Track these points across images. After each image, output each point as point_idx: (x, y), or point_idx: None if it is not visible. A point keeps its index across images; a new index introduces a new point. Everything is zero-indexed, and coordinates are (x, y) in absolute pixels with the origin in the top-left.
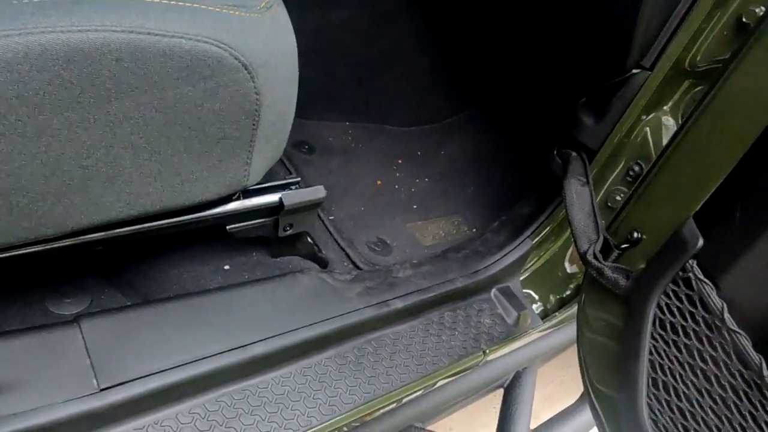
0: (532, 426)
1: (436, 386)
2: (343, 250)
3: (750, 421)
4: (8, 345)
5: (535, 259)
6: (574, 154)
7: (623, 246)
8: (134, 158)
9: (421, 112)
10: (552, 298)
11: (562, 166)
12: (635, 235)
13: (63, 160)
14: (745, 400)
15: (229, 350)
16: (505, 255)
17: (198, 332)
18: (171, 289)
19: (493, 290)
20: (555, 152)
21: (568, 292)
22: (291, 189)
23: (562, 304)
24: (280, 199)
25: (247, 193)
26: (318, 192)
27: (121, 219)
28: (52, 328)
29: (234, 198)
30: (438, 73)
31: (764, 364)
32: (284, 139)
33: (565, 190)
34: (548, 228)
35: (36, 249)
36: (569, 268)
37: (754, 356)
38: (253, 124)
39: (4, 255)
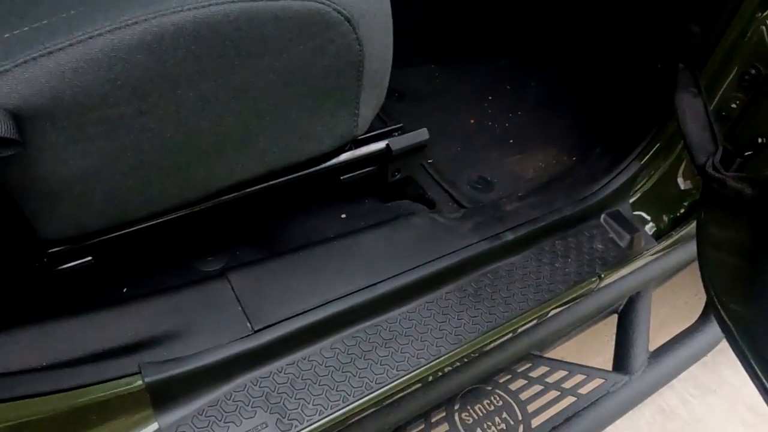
0: (651, 349)
1: (551, 314)
2: (447, 191)
3: None
4: (171, 300)
5: (645, 180)
6: (681, 65)
7: (746, 153)
8: (259, 121)
9: (507, 46)
10: (665, 217)
11: (669, 80)
12: (759, 140)
13: (200, 130)
14: None
15: (357, 290)
16: (612, 179)
17: (327, 276)
18: (296, 240)
19: (603, 215)
20: (659, 66)
21: (683, 210)
22: (395, 135)
23: (677, 223)
24: (387, 145)
25: (357, 144)
26: (422, 135)
27: (250, 178)
28: (205, 283)
29: (346, 149)
30: (523, 6)
31: None
32: (385, 86)
33: (676, 103)
34: (657, 146)
35: (181, 214)
36: (683, 184)
37: None
38: (358, 75)
39: (155, 221)
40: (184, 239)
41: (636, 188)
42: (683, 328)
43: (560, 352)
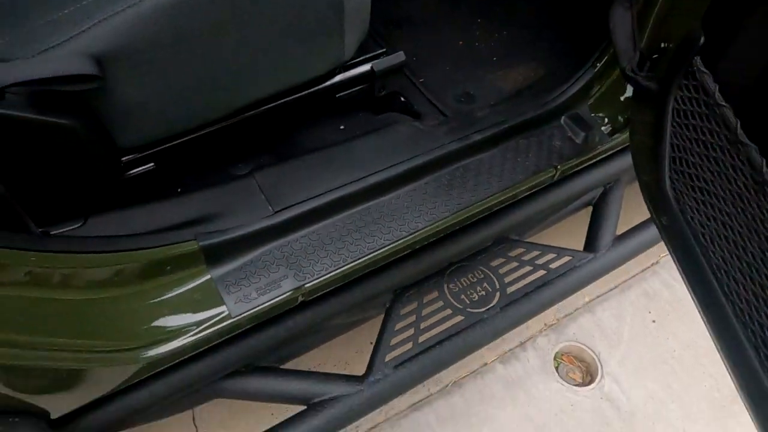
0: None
1: (522, 201)
2: (434, 104)
3: (739, 173)
4: (214, 193)
5: (600, 86)
6: None
7: (654, 57)
8: (268, 50)
9: None
10: (620, 118)
11: None
12: (662, 45)
13: (225, 60)
14: (727, 155)
15: (354, 181)
16: (570, 86)
17: (329, 172)
18: (305, 147)
19: (563, 117)
20: None
21: None
22: (379, 59)
23: (629, 122)
24: (372, 67)
25: (346, 67)
26: (399, 57)
27: (265, 96)
28: (238, 180)
29: (337, 72)
30: None
31: (739, 125)
32: (367, 19)
33: (610, 17)
34: (607, 56)
35: (216, 127)
36: (630, 91)
37: (733, 120)
38: (340, 12)
39: (199, 133)
40: (220, 150)
41: (592, 93)
42: None
43: (542, 238)
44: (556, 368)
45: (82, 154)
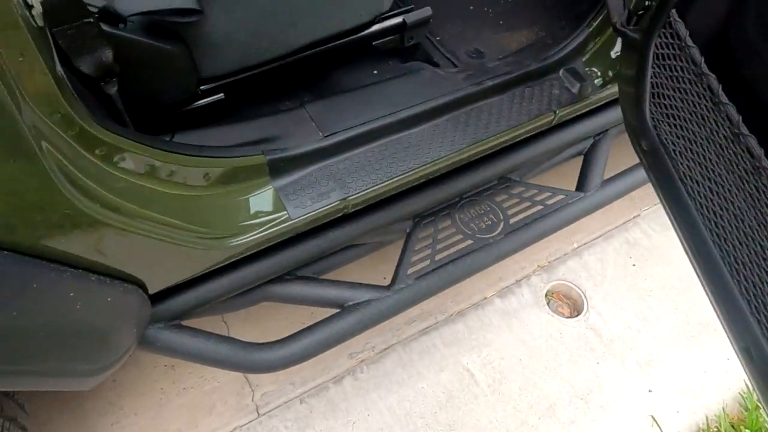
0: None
1: (520, 141)
2: (449, 58)
3: (702, 98)
4: (274, 119)
5: (592, 44)
6: None
7: (639, 13)
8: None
9: None
10: (610, 72)
11: None
12: (647, 3)
13: (279, 4)
14: (694, 85)
15: (387, 115)
16: (567, 43)
17: (367, 106)
18: (345, 87)
19: (561, 70)
20: None
21: None
22: (409, 13)
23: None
24: (403, 19)
25: (382, 19)
26: (426, 11)
27: (321, 38)
28: (292, 110)
29: (375, 22)
30: None
31: (703, 60)
32: None
33: None
34: (601, 16)
35: (274, 65)
36: (619, 47)
37: (698, 57)
38: None
39: (257, 71)
40: (274, 87)
41: (587, 50)
42: None
43: (539, 181)
44: (547, 304)
45: (175, 76)
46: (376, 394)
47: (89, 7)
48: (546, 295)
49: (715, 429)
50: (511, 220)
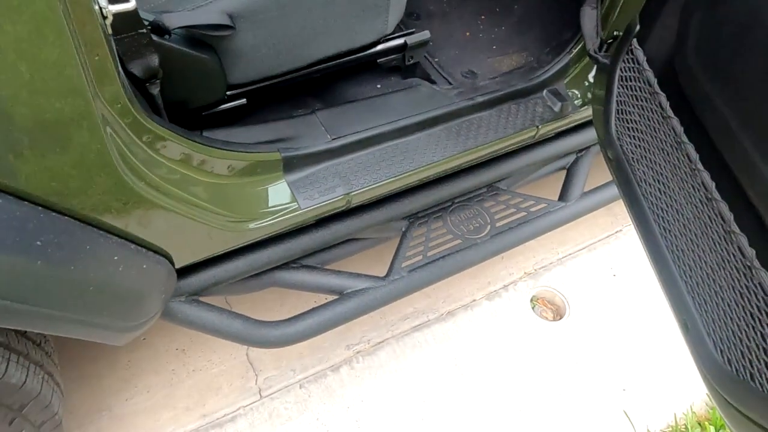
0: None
1: (509, 153)
2: (445, 77)
3: (653, 113)
4: (288, 123)
5: (573, 69)
6: None
7: (609, 42)
8: (337, 18)
9: None
10: (588, 94)
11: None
12: (615, 33)
13: (312, 23)
14: (648, 102)
15: (388, 123)
16: (551, 66)
17: (370, 115)
18: (351, 97)
19: (545, 91)
20: None
21: None
22: (410, 35)
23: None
24: (405, 40)
25: (386, 40)
26: (425, 35)
27: (331, 54)
28: (305, 116)
29: (380, 42)
30: None
31: (656, 82)
32: (404, 3)
33: (580, 14)
34: (580, 46)
35: (289, 77)
36: (594, 71)
37: (653, 79)
38: None
39: (275, 81)
40: (289, 96)
41: (569, 73)
42: None
43: (524, 191)
44: (532, 308)
45: (207, 81)
46: (370, 383)
47: (143, 20)
48: (531, 300)
49: (683, 425)
50: (498, 224)
